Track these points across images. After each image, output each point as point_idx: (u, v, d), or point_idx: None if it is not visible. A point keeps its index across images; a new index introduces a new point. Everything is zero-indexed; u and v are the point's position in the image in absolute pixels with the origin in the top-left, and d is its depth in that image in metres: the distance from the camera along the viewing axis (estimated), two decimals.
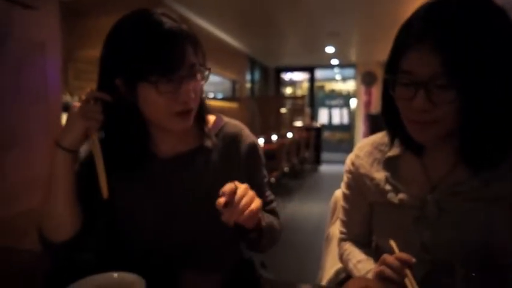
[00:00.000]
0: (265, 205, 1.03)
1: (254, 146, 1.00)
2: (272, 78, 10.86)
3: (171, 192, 0.91)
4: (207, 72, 0.87)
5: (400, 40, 0.75)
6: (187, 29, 0.84)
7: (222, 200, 0.72)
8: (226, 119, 1.03)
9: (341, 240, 1.03)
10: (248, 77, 9.03)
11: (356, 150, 0.98)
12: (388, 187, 0.87)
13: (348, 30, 6.57)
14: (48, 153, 1.40)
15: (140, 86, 0.81)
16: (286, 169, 5.46)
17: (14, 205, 1.28)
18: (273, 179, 4.74)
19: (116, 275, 0.72)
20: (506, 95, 0.69)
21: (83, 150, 0.92)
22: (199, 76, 0.85)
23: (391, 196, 0.86)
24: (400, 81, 0.74)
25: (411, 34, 0.71)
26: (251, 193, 0.77)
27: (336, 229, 1.19)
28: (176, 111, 0.83)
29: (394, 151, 0.89)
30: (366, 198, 0.94)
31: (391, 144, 0.90)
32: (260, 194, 1.02)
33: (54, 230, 0.86)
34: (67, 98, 4.02)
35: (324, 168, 8.61)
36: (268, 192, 1.05)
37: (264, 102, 8.55)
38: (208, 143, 0.95)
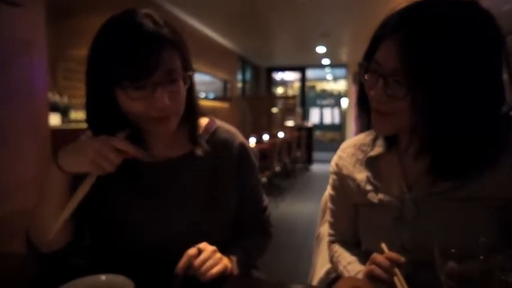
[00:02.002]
0: (261, 213, 1.03)
1: (246, 152, 0.99)
2: (263, 78, 10.88)
3: (162, 198, 0.90)
4: (189, 77, 0.85)
5: (377, 32, 0.77)
6: (168, 33, 0.79)
7: (180, 266, 0.76)
8: (218, 122, 1.02)
9: (330, 242, 1.03)
10: (239, 76, 9.03)
11: (339, 151, 0.99)
12: (368, 187, 0.88)
13: (339, 30, 6.61)
14: (36, 153, 1.38)
15: (116, 90, 0.79)
16: (277, 169, 5.46)
17: (3, 205, 1.26)
18: (264, 179, 4.75)
19: (103, 277, 0.71)
20: (470, 103, 0.68)
21: None
22: (181, 81, 0.82)
23: (371, 196, 0.87)
24: (370, 68, 0.76)
25: (386, 27, 0.73)
26: (217, 256, 0.80)
27: (326, 229, 1.19)
28: (153, 117, 0.80)
29: (376, 151, 0.90)
30: (351, 199, 0.94)
31: (373, 143, 0.91)
32: (255, 200, 1.02)
33: (45, 244, 0.83)
34: (56, 98, 3.97)
35: (316, 167, 8.66)
36: (263, 197, 1.04)
37: (256, 102, 8.55)
38: (199, 151, 0.93)
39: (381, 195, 0.85)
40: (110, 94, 0.80)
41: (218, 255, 0.80)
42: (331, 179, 1.00)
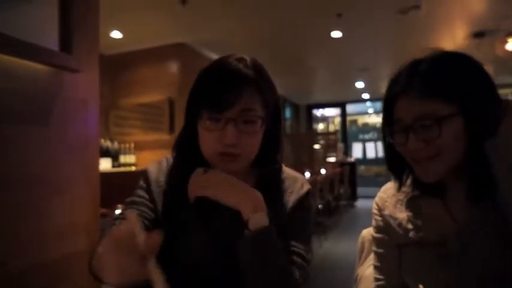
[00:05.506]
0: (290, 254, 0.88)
1: (306, 200, 0.95)
2: (304, 115, 10.96)
3: (228, 244, 0.85)
4: (261, 121, 0.84)
5: (390, 91, 0.85)
6: (251, 74, 0.83)
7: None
8: (287, 171, 0.99)
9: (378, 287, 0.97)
10: None
11: (380, 192, 1.01)
12: (410, 226, 0.89)
13: (377, 65, 6.62)
14: (87, 199, 1.50)
15: (198, 123, 0.83)
16: (320, 206, 5.38)
17: (56, 248, 1.37)
18: None
19: None
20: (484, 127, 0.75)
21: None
22: (258, 124, 0.83)
23: (412, 234, 0.87)
24: (395, 128, 0.84)
25: (399, 86, 0.83)
26: None
27: (364, 270, 1.17)
28: (219, 152, 0.81)
29: (416, 191, 0.91)
30: (393, 240, 0.94)
31: (412, 185, 0.92)
32: (298, 243, 0.90)
33: None
34: (107, 143, 4.27)
35: (361, 203, 8.40)
36: (303, 246, 0.90)
37: (296, 140, 8.58)
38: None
39: (422, 233, 0.86)
40: (194, 130, 0.85)
41: None
42: (374, 220, 1.00)
